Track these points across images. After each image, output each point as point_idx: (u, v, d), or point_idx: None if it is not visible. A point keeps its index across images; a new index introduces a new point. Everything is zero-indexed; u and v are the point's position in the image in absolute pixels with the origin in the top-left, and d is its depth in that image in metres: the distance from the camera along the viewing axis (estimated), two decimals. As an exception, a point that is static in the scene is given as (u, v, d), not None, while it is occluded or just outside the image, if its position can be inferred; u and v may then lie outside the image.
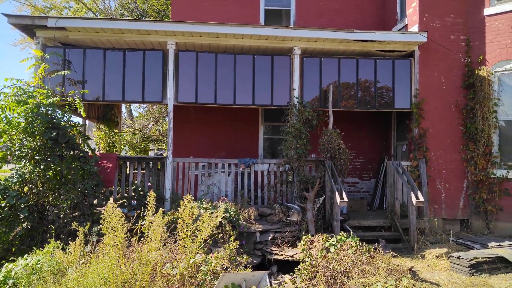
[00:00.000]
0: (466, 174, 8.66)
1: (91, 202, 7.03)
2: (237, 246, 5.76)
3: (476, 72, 8.41)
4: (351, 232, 7.36)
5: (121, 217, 3.68)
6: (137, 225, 4.17)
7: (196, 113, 10.21)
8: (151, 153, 21.16)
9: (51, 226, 6.39)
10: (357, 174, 10.57)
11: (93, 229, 5.93)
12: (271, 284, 3.38)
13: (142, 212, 7.62)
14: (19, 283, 4.22)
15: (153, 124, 23.45)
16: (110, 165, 8.06)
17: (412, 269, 6.23)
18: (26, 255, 4.97)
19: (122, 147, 13.43)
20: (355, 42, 8.39)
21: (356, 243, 6.14)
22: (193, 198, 8.29)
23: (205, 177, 8.49)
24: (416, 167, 8.49)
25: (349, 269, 5.93)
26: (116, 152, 11.70)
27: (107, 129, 12.06)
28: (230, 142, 10.25)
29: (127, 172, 8.54)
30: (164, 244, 4.37)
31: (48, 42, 8.39)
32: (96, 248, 4.17)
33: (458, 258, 6.24)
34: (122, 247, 3.48)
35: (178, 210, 7.31)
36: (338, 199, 7.18)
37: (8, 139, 6.93)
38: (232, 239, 5.85)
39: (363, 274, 5.76)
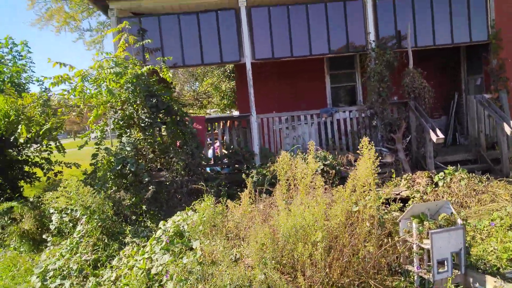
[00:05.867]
0: (547, 101, 8.66)
1: (198, 162, 7.38)
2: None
3: (559, -6, 8.18)
4: (444, 168, 7.58)
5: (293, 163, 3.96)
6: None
7: (262, 70, 10.24)
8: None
9: (168, 188, 6.83)
10: (426, 113, 10.61)
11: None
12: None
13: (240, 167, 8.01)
14: (191, 236, 4.62)
15: (179, 89, 23.53)
16: (200, 126, 8.35)
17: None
18: (178, 212, 5.35)
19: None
20: (430, -25, 8.20)
21: (467, 174, 6.38)
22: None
23: (289, 130, 8.73)
24: (497, 98, 8.51)
25: (463, 199, 6.21)
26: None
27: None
28: (298, 95, 10.35)
29: (215, 132, 8.84)
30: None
31: (120, 14, 8.45)
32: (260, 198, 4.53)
33: None
34: (306, 193, 3.77)
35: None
36: (433, 137, 7.35)
37: (110, 110, 7.25)
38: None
39: (480, 203, 6.03)
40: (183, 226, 4.77)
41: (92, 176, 7.30)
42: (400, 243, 3.74)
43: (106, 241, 5.72)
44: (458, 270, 3.52)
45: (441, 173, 6.55)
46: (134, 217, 6.49)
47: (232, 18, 8.41)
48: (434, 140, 7.34)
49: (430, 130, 7.44)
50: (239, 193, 5.22)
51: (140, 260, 4.29)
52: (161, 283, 4.02)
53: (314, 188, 4.30)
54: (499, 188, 6.04)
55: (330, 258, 3.32)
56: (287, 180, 4.06)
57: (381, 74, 8.15)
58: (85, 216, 5.91)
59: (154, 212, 6.51)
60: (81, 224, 5.98)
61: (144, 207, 6.58)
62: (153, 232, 5.84)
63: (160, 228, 5.09)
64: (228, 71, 20.69)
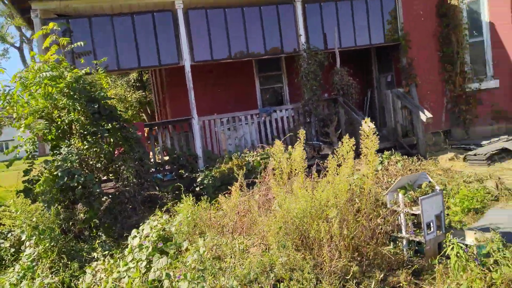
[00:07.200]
0: (445, 92, 10.20)
1: (148, 169, 7.05)
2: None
3: (448, 2, 9.71)
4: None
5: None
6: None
7: (194, 73, 10.16)
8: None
9: (120, 198, 6.41)
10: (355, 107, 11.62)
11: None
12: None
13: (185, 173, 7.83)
14: (177, 237, 4.45)
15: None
16: (140, 133, 7.96)
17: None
18: (152, 217, 5.06)
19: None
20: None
21: (401, 157, 7.20)
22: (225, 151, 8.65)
23: (231, 131, 8.83)
24: (408, 92, 9.75)
25: (402, 179, 7.00)
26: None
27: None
28: (232, 96, 10.49)
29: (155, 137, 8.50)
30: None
31: (44, 15, 7.69)
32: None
33: (475, 155, 7.68)
34: (301, 180, 4.00)
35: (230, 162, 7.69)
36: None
37: (45, 117, 6.56)
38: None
39: (417, 180, 6.87)
40: (168, 228, 4.57)
41: (26, 193, 6.48)
42: (388, 213, 4.14)
43: (64, 261, 5.14)
44: (440, 230, 4.03)
45: (379, 158, 7.28)
46: (86, 233, 5.95)
47: (169, 20, 8.24)
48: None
49: (363, 122, 8.20)
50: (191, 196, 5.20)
51: (131, 269, 3.99)
52: (162, 288, 3.80)
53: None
54: (430, 166, 6.96)
55: (344, 233, 3.55)
56: (277, 169, 4.21)
57: (315, 73, 8.76)
58: (34, 237, 5.25)
59: (108, 225, 6.04)
60: (29, 246, 5.28)
61: (96, 221, 6.08)
62: (113, 246, 5.49)
63: (136, 236, 4.78)
64: (133, 81, 20.02)
